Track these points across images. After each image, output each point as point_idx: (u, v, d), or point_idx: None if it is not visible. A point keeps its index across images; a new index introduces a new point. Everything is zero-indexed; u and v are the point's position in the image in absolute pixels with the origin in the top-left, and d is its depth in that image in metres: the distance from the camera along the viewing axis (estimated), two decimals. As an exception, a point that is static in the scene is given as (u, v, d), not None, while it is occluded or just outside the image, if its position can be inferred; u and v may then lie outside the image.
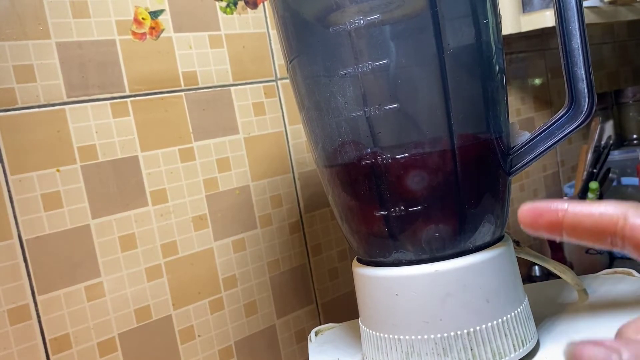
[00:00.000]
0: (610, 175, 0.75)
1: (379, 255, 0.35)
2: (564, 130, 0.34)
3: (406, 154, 0.32)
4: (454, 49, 0.31)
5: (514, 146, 0.35)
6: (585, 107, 0.33)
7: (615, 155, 0.81)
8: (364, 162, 0.33)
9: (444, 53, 0.31)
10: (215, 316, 0.49)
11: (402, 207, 0.33)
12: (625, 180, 0.78)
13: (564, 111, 0.34)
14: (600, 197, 0.73)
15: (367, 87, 0.32)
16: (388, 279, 0.34)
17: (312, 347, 0.42)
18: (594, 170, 0.74)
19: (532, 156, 0.35)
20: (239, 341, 0.51)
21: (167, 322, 0.47)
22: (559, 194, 0.85)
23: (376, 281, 0.34)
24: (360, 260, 0.37)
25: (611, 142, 0.76)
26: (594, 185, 0.72)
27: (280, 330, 0.53)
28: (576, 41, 0.32)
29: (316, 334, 0.44)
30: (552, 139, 0.34)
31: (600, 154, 0.74)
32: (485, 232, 0.34)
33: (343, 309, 0.58)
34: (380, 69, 0.31)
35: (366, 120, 0.32)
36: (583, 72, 0.32)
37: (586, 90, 0.32)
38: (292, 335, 0.54)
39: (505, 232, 0.37)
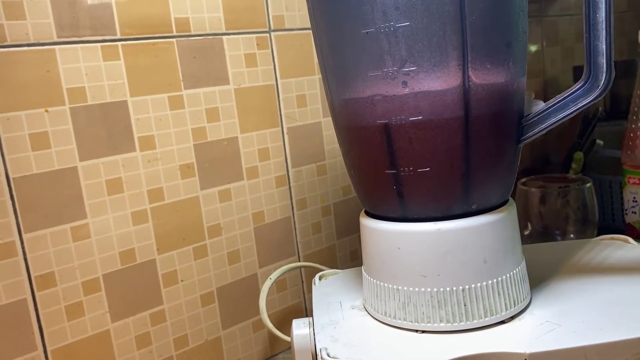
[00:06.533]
0: (595, 146, 0.76)
1: (385, 210, 0.36)
2: (578, 103, 0.34)
3: (420, 117, 0.32)
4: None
5: (527, 114, 0.36)
6: (602, 82, 0.33)
7: (603, 127, 0.81)
8: (379, 122, 0.33)
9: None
10: (198, 262, 0.51)
11: (410, 168, 0.34)
12: (609, 153, 0.79)
13: (580, 84, 0.34)
14: (584, 167, 0.74)
15: (388, 46, 0.32)
16: (392, 233, 0.35)
17: (315, 289, 0.44)
18: (580, 141, 0.75)
19: (543, 126, 0.35)
20: (221, 287, 0.52)
21: (151, 265, 0.48)
22: (543, 162, 0.86)
23: (381, 234, 0.36)
24: (367, 213, 0.38)
25: (599, 114, 0.77)
26: (578, 155, 0.73)
27: (262, 279, 0.55)
28: (601, 14, 0.32)
29: (320, 278, 0.46)
30: (565, 111, 0.34)
31: (588, 125, 0.75)
32: (490, 196, 0.35)
33: (324, 261, 0.59)
34: (403, 29, 0.31)
35: (383, 80, 0.32)
36: (604, 47, 0.32)
37: (605, 65, 0.32)
38: (273, 284, 0.55)
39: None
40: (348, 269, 0.47)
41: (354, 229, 0.62)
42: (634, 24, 0.98)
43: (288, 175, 0.56)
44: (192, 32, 0.48)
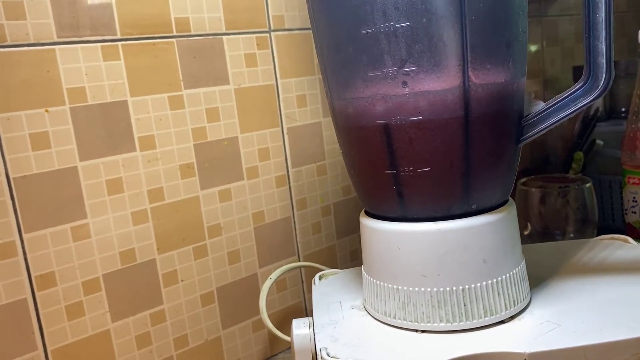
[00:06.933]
0: (595, 146, 0.76)
1: (385, 210, 0.36)
2: (577, 103, 0.34)
3: (420, 117, 0.33)
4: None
5: (527, 114, 0.36)
6: (602, 82, 0.33)
7: (603, 127, 0.81)
8: (379, 122, 0.33)
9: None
10: (198, 262, 0.51)
11: (410, 168, 0.34)
12: (609, 152, 0.79)
13: (580, 84, 0.34)
14: (584, 167, 0.74)
15: (388, 46, 0.32)
16: (392, 233, 0.35)
17: (315, 289, 0.44)
18: (580, 141, 0.75)
19: (543, 126, 0.35)
20: (221, 287, 0.52)
21: (151, 265, 0.48)
22: (543, 162, 0.86)
23: (381, 234, 0.36)
24: (367, 213, 0.38)
25: (599, 114, 0.77)
26: (578, 155, 0.73)
27: (262, 279, 0.55)
28: (601, 14, 0.32)
29: (320, 278, 0.46)
30: (565, 111, 0.34)
31: (587, 125, 0.75)
32: (490, 196, 0.35)
33: (324, 261, 0.59)
34: (403, 29, 0.31)
35: (384, 80, 0.33)
36: (604, 47, 0.32)
37: (605, 65, 0.32)
38: (273, 284, 0.55)
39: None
40: (348, 269, 0.47)
41: (354, 229, 0.62)
42: (634, 24, 0.98)
43: (288, 175, 0.56)
44: (192, 32, 0.48)
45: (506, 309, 0.35)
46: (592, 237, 0.51)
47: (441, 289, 0.34)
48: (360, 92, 0.34)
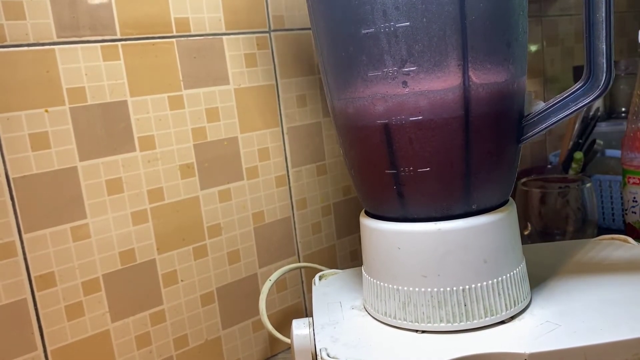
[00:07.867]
0: (595, 146, 0.76)
1: (385, 210, 0.36)
2: (578, 103, 0.34)
3: (420, 117, 0.32)
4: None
5: (528, 114, 0.36)
6: (602, 82, 0.33)
7: (603, 127, 0.81)
8: (379, 122, 0.33)
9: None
10: (198, 262, 0.51)
11: (411, 168, 0.34)
12: (609, 152, 0.79)
13: (580, 84, 0.34)
14: (584, 167, 0.74)
15: (388, 46, 0.32)
16: (392, 233, 0.35)
17: (315, 289, 0.44)
18: (580, 141, 0.75)
19: (544, 126, 0.35)
20: (221, 287, 0.52)
21: (151, 265, 0.48)
22: (543, 162, 0.86)
23: (381, 234, 0.36)
24: (367, 213, 0.38)
25: (599, 113, 0.77)
26: (578, 155, 0.73)
27: (261, 279, 0.55)
28: (601, 14, 0.32)
29: (320, 278, 0.46)
30: (565, 111, 0.34)
31: (587, 125, 0.75)
32: (491, 196, 0.35)
33: (324, 262, 0.59)
34: (403, 29, 0.31)
35: (384, 80, 0.33)
36: (604, 47, 0.32)
37: (605, 65, 0.32)
38: (273, 285, 0.55)
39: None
40: (348, 269, 0.47)
41: (354, 229, 0.62)
42: (634, 24, 0.98)
43: (288, 175, 0.56)
44: (192, 32, 0.48)
45: (506, 309, 0.35)
46: (592, 237, 0.51)
47: (441, 289, 0.34)
48: (360, 92, 0.34)
